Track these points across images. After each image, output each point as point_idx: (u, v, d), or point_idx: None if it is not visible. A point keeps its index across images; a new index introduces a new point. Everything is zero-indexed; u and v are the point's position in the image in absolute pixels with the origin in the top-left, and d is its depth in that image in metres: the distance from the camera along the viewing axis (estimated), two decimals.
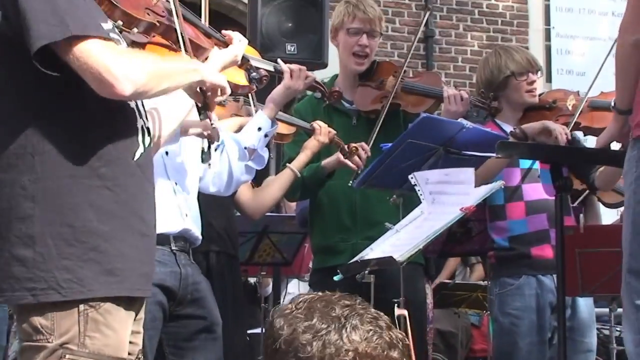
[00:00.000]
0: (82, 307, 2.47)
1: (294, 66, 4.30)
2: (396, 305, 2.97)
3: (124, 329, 2.53)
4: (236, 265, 4.36)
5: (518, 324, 4.69)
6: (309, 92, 4.81)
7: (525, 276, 4.70)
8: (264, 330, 5.94)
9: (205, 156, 3.01)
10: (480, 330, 8.30)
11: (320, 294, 2.12)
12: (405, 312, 2.95)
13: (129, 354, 2.56)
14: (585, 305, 4.81)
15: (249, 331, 5.46)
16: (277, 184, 4.62)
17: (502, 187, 4.12)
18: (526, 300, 4.68)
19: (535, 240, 4.69)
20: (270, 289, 6.78)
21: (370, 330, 2.02)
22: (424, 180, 3.79)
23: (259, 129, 4.01)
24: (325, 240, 4.73)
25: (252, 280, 6.72)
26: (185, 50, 2.89)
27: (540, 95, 5.02)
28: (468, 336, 8.42)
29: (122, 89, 2.45)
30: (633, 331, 3.44)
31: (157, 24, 2.90)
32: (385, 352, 2.01)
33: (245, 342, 4.84)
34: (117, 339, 2.50)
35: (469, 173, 3.71)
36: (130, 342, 2.57)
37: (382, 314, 2.10)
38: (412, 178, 3.85)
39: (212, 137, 3.04)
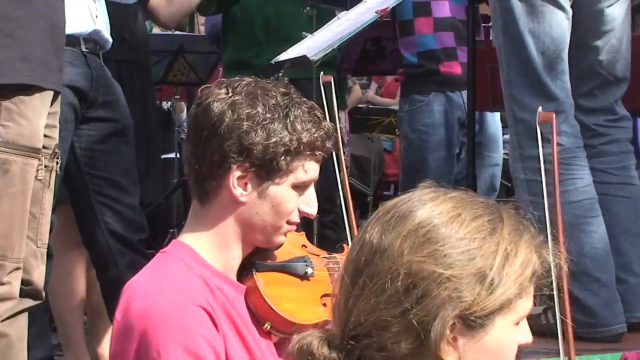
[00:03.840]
0: None
1: None
2: (322, 73, 2.93)
3: (38, 119, 2.47)
4: (148, 77, 4.31)
5: (427, 139, 4.81)
6: None
7: (434, 93, 4.79)
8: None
9: None
10: (392, 155, 8.47)
11: (254, 80, 2.14)
12: (331, 78, 2.90)
13: (45, 147, 2.51)
14: (492, 121, 4.94)
15: (163, 156, 5.44)
16: None
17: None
18: (435, 116, 4.79)
19: (444, 56, 4.77)
20: (184, 115, 6.77)
21: (310, 120, 2.08)
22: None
23: None
24: (238, 55, 4.72)
25: (165, 105, 6.72)
26: None
27: None
28: (381, 161, 8.59)
29: None
30: (512, 146, 3.53)
31: None
32: (324, 143, 2.10)
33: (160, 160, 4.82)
34: (31, 129, 2.45)
35: None
36: (45, 136, 2.52)
37: (315, 104, 2.16)
38: None
39: None
